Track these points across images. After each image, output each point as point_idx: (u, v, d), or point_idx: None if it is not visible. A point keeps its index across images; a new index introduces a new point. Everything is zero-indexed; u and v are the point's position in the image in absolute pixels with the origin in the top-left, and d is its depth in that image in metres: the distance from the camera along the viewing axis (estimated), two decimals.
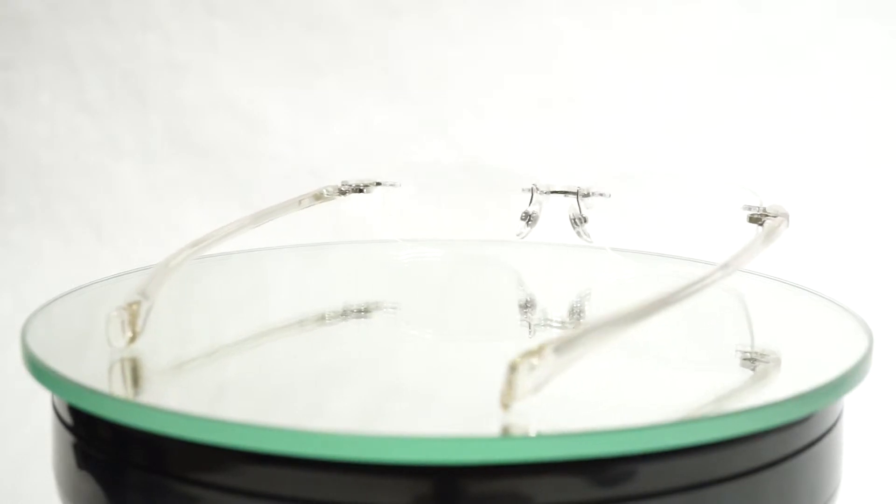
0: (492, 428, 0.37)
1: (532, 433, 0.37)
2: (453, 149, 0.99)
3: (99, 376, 0.43)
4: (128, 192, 1.04)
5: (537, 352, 0.37)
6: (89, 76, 1.04)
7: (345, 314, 0.53)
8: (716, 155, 0.95)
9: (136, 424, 0.38)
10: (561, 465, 0.36)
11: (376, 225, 0.61)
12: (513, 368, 0.37)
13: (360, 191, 0.61)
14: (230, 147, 1.03)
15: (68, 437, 0.43)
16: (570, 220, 0.58)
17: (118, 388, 0.42)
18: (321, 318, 0.53)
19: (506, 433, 0.37)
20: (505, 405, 0.37)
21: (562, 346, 0.38)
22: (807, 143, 0.94)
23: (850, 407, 0.48)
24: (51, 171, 1.05)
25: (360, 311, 0.53)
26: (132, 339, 0.44)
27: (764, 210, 0.53)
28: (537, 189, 0.58)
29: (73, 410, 0.42)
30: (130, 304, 0.44)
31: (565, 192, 0.58)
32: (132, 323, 0.44)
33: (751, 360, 0.46)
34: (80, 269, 1.02)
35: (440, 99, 1.00)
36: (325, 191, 0.60)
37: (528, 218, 0.58)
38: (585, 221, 0.57)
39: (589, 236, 0.57)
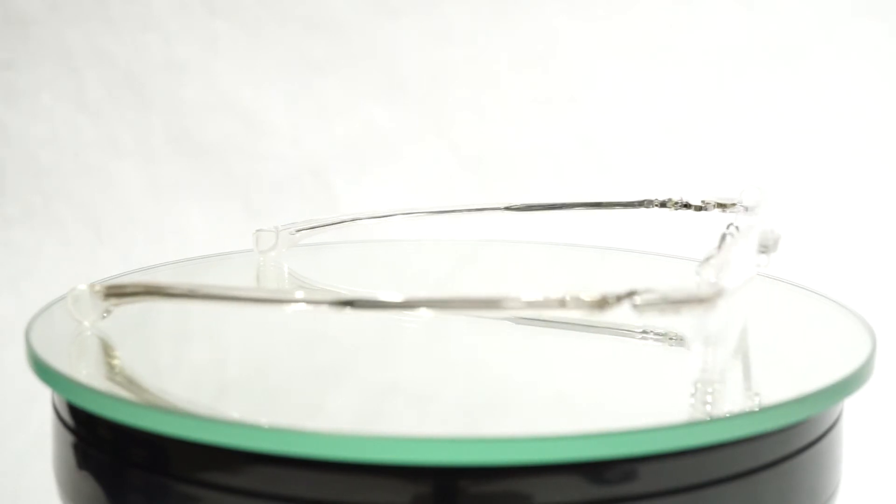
0: (492, 428, 0.37)
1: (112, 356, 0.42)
2: (453, 149, 0.99)
3: (99, 377, 0.43)
4: (128, 192, 1.04)
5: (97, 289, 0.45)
6: (89, 76, 1.04)
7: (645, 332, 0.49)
8: (716, 155, 0.95)
9: (137, 424, 0.38)
10: (561, 466, 0.36)
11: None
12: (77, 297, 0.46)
13: (724, 208, 0.54)
14: (230, 147, 1.03)
15: (68, 437, 0.43)
16: (760, 245, 0.51)
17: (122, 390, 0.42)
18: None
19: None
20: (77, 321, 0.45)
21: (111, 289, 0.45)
22: (807, 143, 0.94)
23: (851, 407, 0.48)
24: (51, 171, 1.05)
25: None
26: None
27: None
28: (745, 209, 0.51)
29: (74, 410, 0.42)
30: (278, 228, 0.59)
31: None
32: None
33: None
34: (80, 269, 1.02)
35: (440, 99, 1.00)
36: (666, 200, 0.57)
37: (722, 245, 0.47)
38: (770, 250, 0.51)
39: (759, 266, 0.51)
